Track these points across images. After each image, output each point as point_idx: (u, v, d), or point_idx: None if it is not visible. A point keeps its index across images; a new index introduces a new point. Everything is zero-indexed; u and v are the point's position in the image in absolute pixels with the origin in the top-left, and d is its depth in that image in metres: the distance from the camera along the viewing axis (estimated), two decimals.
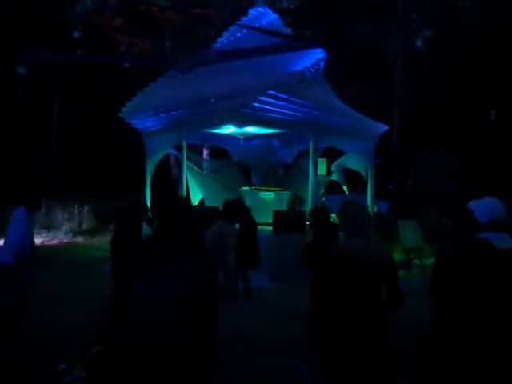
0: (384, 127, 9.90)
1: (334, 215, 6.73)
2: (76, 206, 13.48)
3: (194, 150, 12.12)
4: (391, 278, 2.63)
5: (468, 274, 2.77)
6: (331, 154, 10.43)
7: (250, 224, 6.79)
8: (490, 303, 2.72)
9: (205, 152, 14.95)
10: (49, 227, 12.87)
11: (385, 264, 2.62)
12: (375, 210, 9.19)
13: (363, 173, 10.00)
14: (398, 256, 10.19)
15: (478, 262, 2.75)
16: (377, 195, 10.34)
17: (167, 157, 14.30)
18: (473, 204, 3.08)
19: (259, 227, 8.83)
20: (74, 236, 12.47)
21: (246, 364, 4.20)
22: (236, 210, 4.68)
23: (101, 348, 2.68)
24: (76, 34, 21.18)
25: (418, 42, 21.74)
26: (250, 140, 10.62)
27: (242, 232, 6.65)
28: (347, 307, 2.57)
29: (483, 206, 2.99)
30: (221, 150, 12.22)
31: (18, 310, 4.82)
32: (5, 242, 4.85)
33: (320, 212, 5.96)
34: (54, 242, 11.96)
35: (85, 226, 13.10)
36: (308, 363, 2.68)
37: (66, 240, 12.10)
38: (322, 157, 9.96)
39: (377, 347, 2.59)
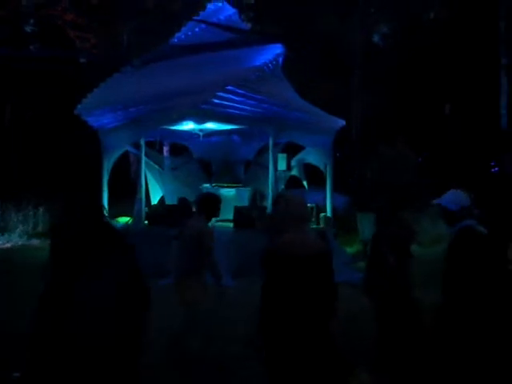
0: (342, 122, 10.09)
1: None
2: (30, 207, 12.99)
3: (154, 147, 11.92)
4: (327, 270, 2.68)
5: (461, 260, 2.93)
6: (291, 150, 10.53)
7: None
8: (482, 285, 2.86)
9: (165, 149, 14.75)
10: (2, 230, 12.35)
11: (320, 256, 2.66)
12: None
13: (322, 167, 10.16)
14: (356, 248, 10.45)
15: (469, 246, 2.93)
16: (336, 189, 10.53)
17: (126, 155, 14.02)
18: (439, 199, 3.32)
19: (221, 224, 8.84)
20: (28, 239, 12.03)
21: (208, 359, 4.19)
22: (215, 205, 4.46)
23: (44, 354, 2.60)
24: (28, 29, 20.36)
25: (376, 37, 22.23)
26: (210, 136, 10.56)
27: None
28: (290, 301, 2.60)
29: (451, 197, 3.26)
30: (181, 147, 12.09)
31: None
32: None
33: (279, 199, 5.88)
34: (8, 245, 11.50)
35: (40, 229, 12.66)
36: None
37: (20, 243, 11.66)
38: (282, 152, 10.04)
39: (320, 341, 2.61)
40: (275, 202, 3.02)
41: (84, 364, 2.18)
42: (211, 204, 4.46)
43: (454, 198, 3.25)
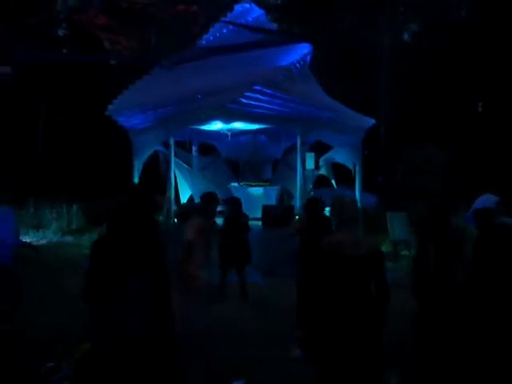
0: (371, 121, 9.97)
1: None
2: (64, 205, 13.38)
3: (183, 147, 12.07)
4: (379, 270, 2.68)
5: (494, 256, 2.91)
6: (319, 149, 10.47)
7: (239, 219, 6.76)
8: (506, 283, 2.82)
9: (193, 149, 14.92)
10: (37, 227, 12.77)
11: (373, 255, 2.67)
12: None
13: (351, 167, 10.06)
14: (385, 248, 10.29)
15: (503, 242, 2.93)
16: (365, 189, 10.41)
17: (156, 155, 14.25)
18: (473, 206, 3.40)
19: (249, 222, 8.88)
20: (62, 235, 12.39)
21: (235, 357, 4.23)
22: (208, 203, 4.48)
23: (87, 346, 2.71)
24: (60, 33, 20.96)
25: (405, 36, 21.86)
26: (238, 136, 10.63)
27: (229, 228, 6.65)
28: (338, 300, 2.61)
29: (483, 201, 3.34)
30: (210, 147, 12.21)
31: (14, 312, 4.78)
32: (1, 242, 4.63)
33: (313, 203, 5.64)
34: (43, 241, 11.87)
35: (74, 226, 13.02)
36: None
37: (54, 239, 12.02)
38: (309, 151, 10.00)
39: (367, 339, 2.63)
40: (332, 201, 3.05)
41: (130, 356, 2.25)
42: (206, 203, 4.49)
43: (485, 201, 3.32)
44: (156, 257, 2.43)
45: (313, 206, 5.35)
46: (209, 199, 4.55)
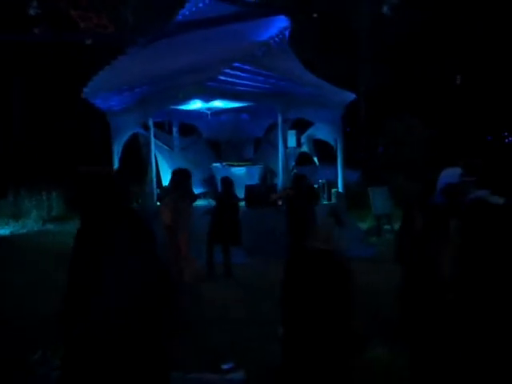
0: (351, 95, 9.89)
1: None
2: (44, 192, 13.10)
3: (163, 128, 11.86)
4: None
5: (472, 232, 2.87)
6: (300, 126, 10.39)
7: (229, 200, 6.68)
8: (493, 259, 2.80)
9: (174, 130, 14.68)
10: (17, 216, 12.51)
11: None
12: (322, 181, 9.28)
13: (333, 143, 10.03)
14: (369, 223, 10.39)
15: (483, 219, 2.87)
16: (347, 164, 10.41)
17: (136, 137, 13.99)
18: (439, 182, 3.32)
19: None
20: (43, 224, 12.17)
21: (224, 340, 4.22)
22: (179, 181, 4.50)
23: (75, 335, 2.65)
24: (32, 12, 20.16)
25: (385, 9, 21.66)
26: (219, 115, 10.46)
27: (220, 207, 6.60)
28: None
29: (448, 175, 3.25)
30: (190, 127, 12.01)
31: None
32: None
33: (301, 177, 6.27)
34: (24, 230, 11.66)
35: (54, 213, 12.79)
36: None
37: (35, 228, 11.81)
38: (291, 129, 9.92)
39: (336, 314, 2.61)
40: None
41: (111, 341, 2.21)
42: (177, 178, 4.47)
43: (449, 176, 3.26)
44: (140, 242, 2.37)
45: (300, 179, 5.59)
46: (180, 175, 4.50)
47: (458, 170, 3.32)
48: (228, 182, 6.78)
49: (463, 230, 3.02)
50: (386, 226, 9.72)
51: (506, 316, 2.75)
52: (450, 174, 3.30)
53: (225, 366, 3.62)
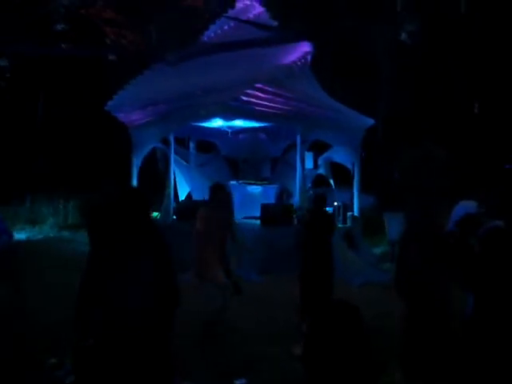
0: (370, 121, 9.99)
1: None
2: (61, 200, 13.33)
3: (181, 143, 12.05)
4: None
5: (495, 260, 2.89)
6: (318, 148, 10.48)
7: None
8: None
9: (191, 146, 14.88)
10: (34, 222, 12.72)
11: None
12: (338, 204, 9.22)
13: (350, 166, 10.08)
14: (383, 248, 10.34)
15: (502, 246, 2.90)
16: (363, 189, 10.44)
17: (154, 152, 14.20)
18: (454, 214, 3.37)
19: (247, 221, 8.90)
20: (59, 231, 12.35)
21: (237, 356, 4.23)
22: (213, 193, 4.81)
23: (90, 341, 2.71)
24: (59, 27, 20.81)
25: (403, 36, 21.90)
26: (238, 134, 10.62)
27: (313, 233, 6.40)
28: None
29: (463, 208, 3.31)
30: (207, 144, 12.19)
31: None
32: None
33: (321, 199, 5.65)
34: (40, 236, 11.84)
35: (70, 221, 12.98)
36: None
37: (51, 235, 11.98)
38: (309, 150, 10.01)
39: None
40: None
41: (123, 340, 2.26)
42: (211, 192, 4.83)
43: (465, 208, 3.31)
44: (155, 248, 2.45)
45: (321, 200, 5.48)
46: (214, 189, 4.78)
47: (473, 204, 3.36)
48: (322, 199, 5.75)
49: (483, 257, 3.04)
50: None
51: None
52: (466, 206, 3.35)
53: (237, 382, 3.64)
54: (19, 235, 11.57)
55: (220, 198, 4.84)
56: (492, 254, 2.98)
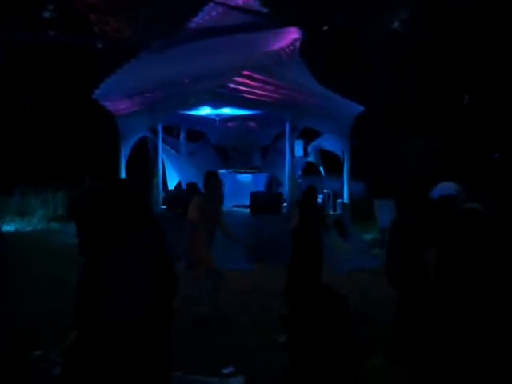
0: (360, 108, 9.94)
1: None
2: (50, 192, 13.20)
3: (171, 133, 11.93)
4: None
5: (464, 242, 2.88)
6: (308, 136, 10.43)
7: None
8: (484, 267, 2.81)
9: (181, 135, 14.77)
10: (23, 214, 12.60)
11: None
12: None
13: (340, 154, 10.06)
14: (373, 234, 10.38)
15: (475, 228, 2.89)
16: (354, 176, 10.43)
17: (145, 141, 14.09)
18: (433, 192, 3.35)
19: (237, 209, 8.87)
20: (48, 222, 12.25)
21: (225, 344, 4.23)
22: (206, 181, 4.91)
23: (75, 332, 2.68)
24: (46, 14, 20.45)
25: (395, 24, 21.78)
26: (227, 122, 10.53)
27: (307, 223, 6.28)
28: None
29: (444, 187, 3.30)
30: (198, 133, 12.10)
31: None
32: None
33: (312, 191, 5.49)
34: (29, 228, 11.74)
35: (59, 213, 12.87)
36: None
37: (40, 227, 11.88)
38: (298, 138, 9.96)
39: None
40: None
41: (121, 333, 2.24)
42: (205, 179, 4.98)
43: (446, 189, 3.29)
44: (154, 237, 2.44)
45: (311, 193, 5.45)
46: (207, 177, 4.81)
47: (452, 185, 3.33)
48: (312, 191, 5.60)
49: (453, 236, 3.01)
50: None
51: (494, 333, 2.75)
52: (446, 187, 3.31)
53: (225, 370, 3.63)
54: (8, 227, 11.47)
55: (212, 186, 4.86)
56: (464, 234, 2.96)
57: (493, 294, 2.79)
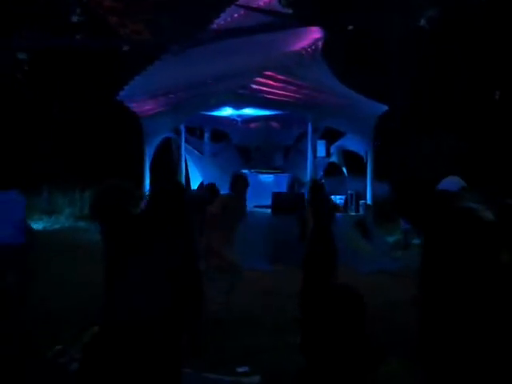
0: (383, 107, 9.80)
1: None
2: (77, 190, 13.52)
3: (195, 133, 12.03)
4: None
5: (458, 244, 2.78)
6: (330, 136, 10.35)
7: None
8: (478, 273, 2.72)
9: (205, 135, 14.88)
10: (50, 212, 12.95)
11: None
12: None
13: (363, 154, 9.94)
14: (396, 236, 10.22)
15: (465, 229, 2.77)
16: (377, 177, 10.28)
17: (169, 142, 14.27)
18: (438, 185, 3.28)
19: (258, 210, 8.88)
20: (75, 221, 12.54)
21: (241, 344, 4.24)
22: (234, 181, 5.03)
23: (96, 329, 2.74)
24: (74, 19, 21.00)
25: (422, 21, 21.37)
26: (249, 122, 10.55)
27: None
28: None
29: (448, 182, 3.24)
30: (222, 134, 12.18)
31: (22, 292, 4.89)
32: (9, 223, 4.74)
33: (320, 187, 5.48)
34: (57, 226, 12.05)
35: (86, 211, 13.16)
36: None
37: (67, 225, 12.18)
38: (321, 138, 9.90)
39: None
40: None
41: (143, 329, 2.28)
42: (232, 180, 5.11)
43: (450, 184, 3.20)
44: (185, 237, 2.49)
45: (317, 189, 5.43)
46: (235, 178, 4.90)
47: (457, 180, 3.24)
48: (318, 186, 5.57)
49: (437, 233, 2.89)
50: (415, 240, 9.53)
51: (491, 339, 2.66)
52: (451, 182, 3.23)
53: (240, 369, 3.65)
54: (36, 225, 11.81)
55: (239, 187, 4.95)
56: (447, 233, 2.84)
57: (463, 295, 2.72)
